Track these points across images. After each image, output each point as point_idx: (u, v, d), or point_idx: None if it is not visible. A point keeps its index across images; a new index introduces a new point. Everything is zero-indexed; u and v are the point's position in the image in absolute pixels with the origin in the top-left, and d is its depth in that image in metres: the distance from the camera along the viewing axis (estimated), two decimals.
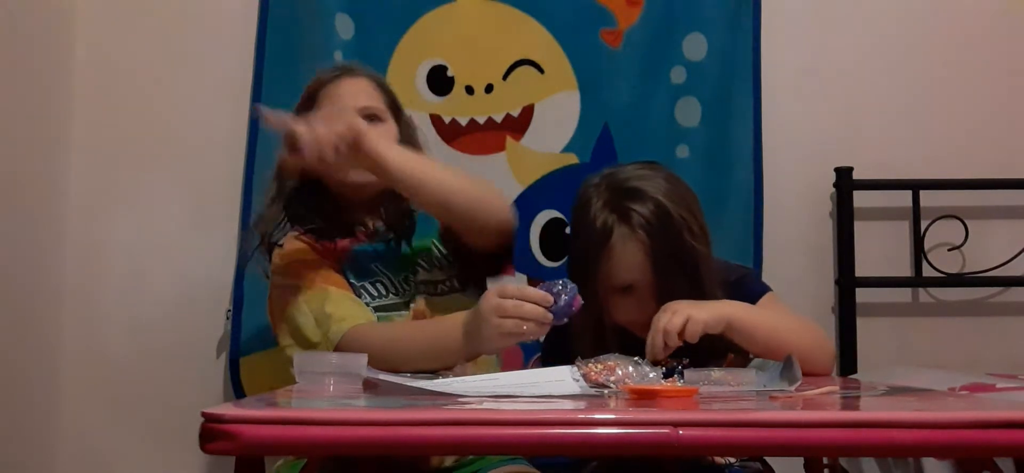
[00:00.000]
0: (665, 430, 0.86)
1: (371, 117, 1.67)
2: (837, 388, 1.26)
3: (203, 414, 0.88)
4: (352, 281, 1.64)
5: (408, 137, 1.74)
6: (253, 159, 2.26)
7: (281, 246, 1.69)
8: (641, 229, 1.53)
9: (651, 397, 1.13)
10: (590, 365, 1.23)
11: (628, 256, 1.55)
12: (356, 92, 1.71)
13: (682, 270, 1.56)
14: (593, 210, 1.58)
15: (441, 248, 1.76)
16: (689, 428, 0.86)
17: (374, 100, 1.72)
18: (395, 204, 1.71)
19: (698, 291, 1.55)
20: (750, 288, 1.69)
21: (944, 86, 2.34)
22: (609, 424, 0.88)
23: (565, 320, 1.38)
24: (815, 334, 1.59)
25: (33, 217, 2.17)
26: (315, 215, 1.69)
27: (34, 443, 2.18)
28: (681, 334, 1.45)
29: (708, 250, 1.60)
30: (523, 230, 2.27)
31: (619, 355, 1.27)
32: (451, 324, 1.50)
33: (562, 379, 1.24)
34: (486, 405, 1.06)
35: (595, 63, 2.29)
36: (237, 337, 2.21)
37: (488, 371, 1.68)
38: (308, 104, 1.69)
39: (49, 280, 2.23)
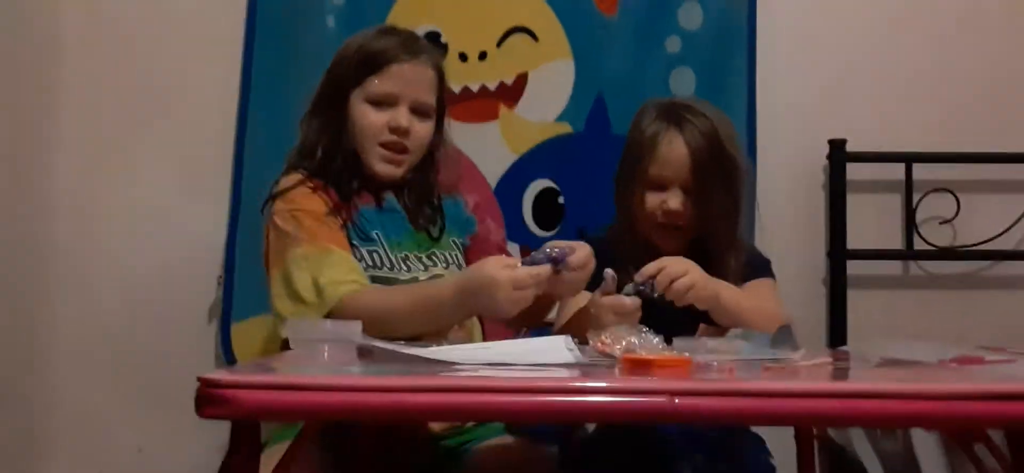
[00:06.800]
0: (661, 399, 0.86)
1: (420, 113, 1.69)
2: (829, 360, 1.27)
3: (199, 379, 0.88)
4: (353, 242, 1.64)
5: (438, 141, 1.76)
6: (245, 123, 2.25)
7: (286, 187, 1.65)
8: (688, 132, 1.71)
9: (646, 366, 1.13)
10: (602, 337, 1.24)
11: (673, 152, 1.72)
12: (420, 82, 1.70)
13: (720, 179, 1.72)
14: (645, 121, 1.77)
15: (461, 255, 1.76)
16: (685, 397, 0.86)
17: (430, 96, 1.72)
18: (421, 188, 1.72)
19: (732, 208, 1.75)
20: (752, 267, 1.78)
21: (938, 59, 2.33)
22: (605, 392, 0.89)
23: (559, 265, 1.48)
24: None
25: (23, 183, 2.16)
26: (339, 171, 1.68)
27: (27, 408, 2.18)
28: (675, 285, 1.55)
29: (743, 185, 1.78)
30: (515, 199, 2.27)
31: (627, 326, 1.29)
32: (444, 288, 1.53)
33: (557, 348, 1.24)
34: (482, 372, 1.06)
35: (590, 31, 2.27)
36: (229, 303, 2.21)
37: (477, 339, 1.70)
38: (370, 68, 1.68)
39: (40, 245, 2.22)
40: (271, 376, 0.93)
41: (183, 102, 2.29)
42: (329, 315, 1.52)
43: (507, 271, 1.43)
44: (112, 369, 2.25)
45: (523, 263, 1.47)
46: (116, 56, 2.29)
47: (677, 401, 0.85)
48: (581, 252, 1.51)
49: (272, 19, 2.26)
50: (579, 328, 1.57)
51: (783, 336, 1.37)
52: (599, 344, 1.28)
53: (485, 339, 1.75)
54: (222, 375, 0.87)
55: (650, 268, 1.56)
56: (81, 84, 2.28)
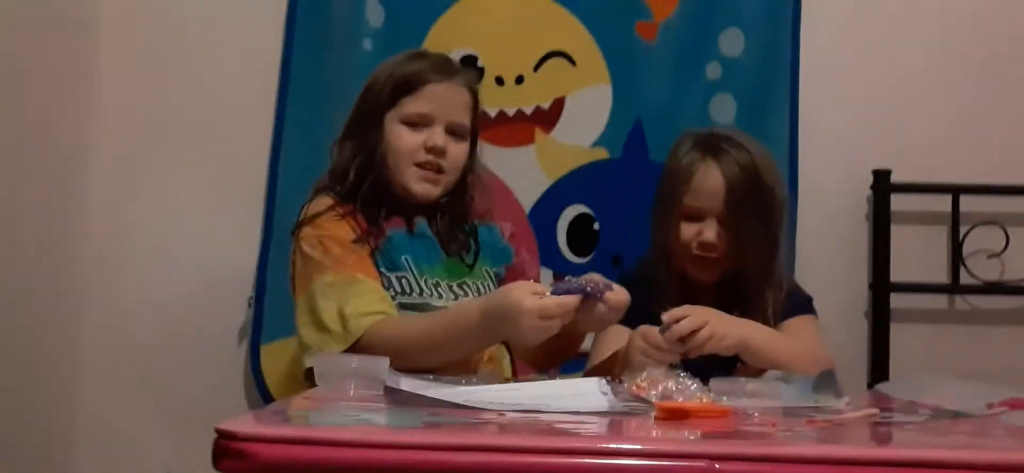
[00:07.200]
0: (701, 463, 0.82)
1: (455, 134, 1.67)
2: (874, 410, 1.22)
3: (217, 430, 0.85)
4: (381, 269, 1.60)
5: (471, 165, 1.73)
6: (279, 145, 2.23)
7: (316, 212, 1.63)
8: (725, 162, 1.69)
9: (683, 416, 1.09)
10: (637, 381, 1.21)
11: (708, 182, 1.70)
12: (455, 102, 1.68)
13: (756, 211, 1.69)
14: (682, 151, 1.75)
15: (495, 285, 1.71)
16: (725, 462, 0.82)
17: (465, 117, 1.70)
18: (453, 213, 1.69)
19: (769, 241, 1.71)
20: (792, 303, 1.74)
21: (987, 89, 2.27)
22: (640, 455, 0.84)
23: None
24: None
25: (58, 199, 2.15)
26: (369, 194, 1.65)
27: (56, 426, 2.17)
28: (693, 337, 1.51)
29: (782, 218, 1.76)
30: (550, 225, 2.23)
31: (663, 369, 1.25)
32: (470, 311, 1.49)
33: (590, 392, 1.20)
34: (511, 420, 1.02)
35: (629, 56, 2.23)
36: (259, 324, 2.19)
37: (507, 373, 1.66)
38: (404, 89, 1.65)
39: (72, 265, 2.21)
40: (289, 429, 0.90)
41: (219, 122, 2.28)
42: (355, 344, 1.49)
43: (534, 299, 1.40)
44: (141, 389, 2.24)
45: (556, 289, 1.43)
46: (152, 76, 2.28)
47: (718, 467, 0.80)
48: (620, 296, 1.47)
49: (309, 41, 2.24)
50: (616, 368, 1.53)
51: (826, 381, 1.33)
52: (634, 387, 1.24)
53: (515, 375, 1.71)
54: (240, 427, 0.84)
55: (667, 316, 1.52)
56: (117, 104, 2.27)
